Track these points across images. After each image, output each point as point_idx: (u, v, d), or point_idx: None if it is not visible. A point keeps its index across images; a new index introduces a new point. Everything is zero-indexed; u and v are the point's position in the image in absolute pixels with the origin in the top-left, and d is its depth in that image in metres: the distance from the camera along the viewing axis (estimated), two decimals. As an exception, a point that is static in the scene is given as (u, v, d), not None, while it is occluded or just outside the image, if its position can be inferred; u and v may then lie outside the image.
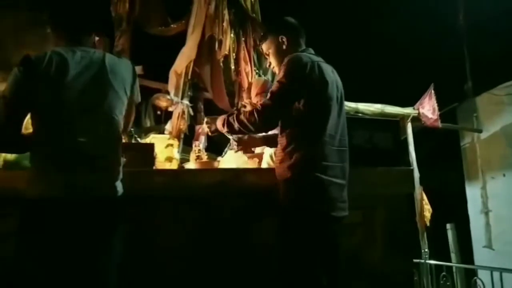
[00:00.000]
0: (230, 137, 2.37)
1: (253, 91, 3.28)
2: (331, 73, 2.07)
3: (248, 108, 2.37)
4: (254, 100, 3.13)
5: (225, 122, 2.15)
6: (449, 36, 6.59)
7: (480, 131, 6.19)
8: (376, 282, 2.34)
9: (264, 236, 2.09)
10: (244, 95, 4.13)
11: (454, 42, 6.45)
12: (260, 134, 2.41)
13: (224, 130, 2.19)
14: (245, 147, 2.48)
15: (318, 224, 1.92)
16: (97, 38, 1.91)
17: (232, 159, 2.57)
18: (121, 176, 1.74)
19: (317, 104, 1.98)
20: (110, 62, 1.74)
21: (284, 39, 2.17)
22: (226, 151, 3.21)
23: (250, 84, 4.16)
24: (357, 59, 6.54)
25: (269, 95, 2.03)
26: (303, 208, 1.91)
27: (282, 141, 2.02)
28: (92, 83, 1.67)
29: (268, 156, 2.64)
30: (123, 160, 1.81)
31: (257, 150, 2.91)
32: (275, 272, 1.91)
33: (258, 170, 2.52)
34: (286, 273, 1.90)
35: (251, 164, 2.62)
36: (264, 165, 2.66)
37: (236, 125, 2.07)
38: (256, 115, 1.99)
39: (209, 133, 2.36)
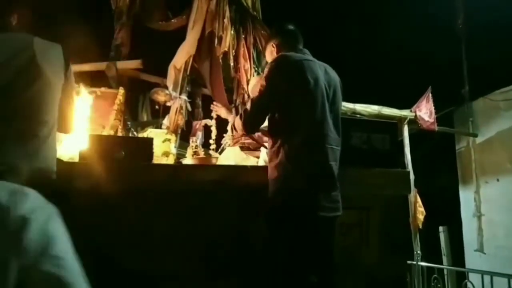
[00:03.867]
0: None
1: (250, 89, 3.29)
2: (319, 71, 2.04)
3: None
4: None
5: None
6: (448, 40, 6.61)
7: (475, 136, 6.22)
8: (370, 282, 2.36)
9: (261, 233, 2.09)
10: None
11: (452, 46, 6.47)
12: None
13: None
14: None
15: (302, 223, 1.91)
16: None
17: (231, 155, 2.57)
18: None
19: (298, 103, 1.97)
20: (40, 47, 1.62)
21: (274, 46, 2.21)
22: (223, 148, 3.22)
23: (248, 81, 4.17)
24: (356, 60, 6.55)
25: (250, 101, 2.10)
26: (286, 207, 1.91)
27: (270, 141, 2.04)
28: (18, 70, 1.55)
29: (265, 154, 2.64)
30: (121, 154, 1.80)
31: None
32: (269, 270, 1.92)
33: (256, 168, 2.51)
34: (275, 272, 1.91)
35: (250, 161, 2.63)
36: (261, 162, 2.66)
37: (235, 126, 2.20)
38: (240, 121, 2.09)
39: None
